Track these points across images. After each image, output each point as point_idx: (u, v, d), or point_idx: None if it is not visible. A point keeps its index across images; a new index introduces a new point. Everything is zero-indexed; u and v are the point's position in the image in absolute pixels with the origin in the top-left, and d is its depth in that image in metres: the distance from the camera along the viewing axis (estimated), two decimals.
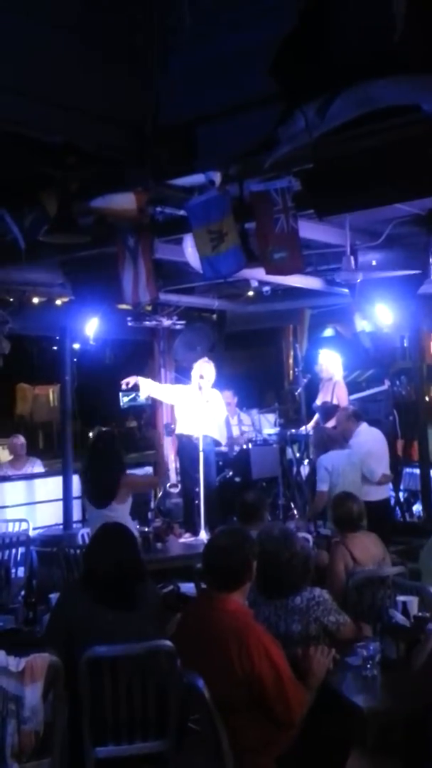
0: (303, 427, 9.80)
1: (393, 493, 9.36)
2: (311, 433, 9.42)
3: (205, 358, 9.04)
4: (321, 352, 10.39)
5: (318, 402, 10.05)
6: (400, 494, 9.70)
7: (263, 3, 4.46)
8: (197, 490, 8.50)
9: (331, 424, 9.22)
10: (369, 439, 8.57)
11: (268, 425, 11.12)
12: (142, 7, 4.93)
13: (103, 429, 9.13)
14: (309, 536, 6.89)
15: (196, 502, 8.56)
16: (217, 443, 9.25)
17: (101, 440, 7.38)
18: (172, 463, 10.80)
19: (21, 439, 10.55)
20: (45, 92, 4.55)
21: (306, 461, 9.67)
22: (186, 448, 8.85)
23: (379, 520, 7.84)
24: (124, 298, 6.51)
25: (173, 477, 10.01)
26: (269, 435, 10.61)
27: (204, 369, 8.75)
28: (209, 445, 8.77)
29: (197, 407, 8.65)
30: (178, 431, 8.98)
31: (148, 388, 8.96)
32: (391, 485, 9.02)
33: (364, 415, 8.84)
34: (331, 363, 10.11)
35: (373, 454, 8.43)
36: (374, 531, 6.21)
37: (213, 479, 8.94)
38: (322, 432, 8.70)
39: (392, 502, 9.34)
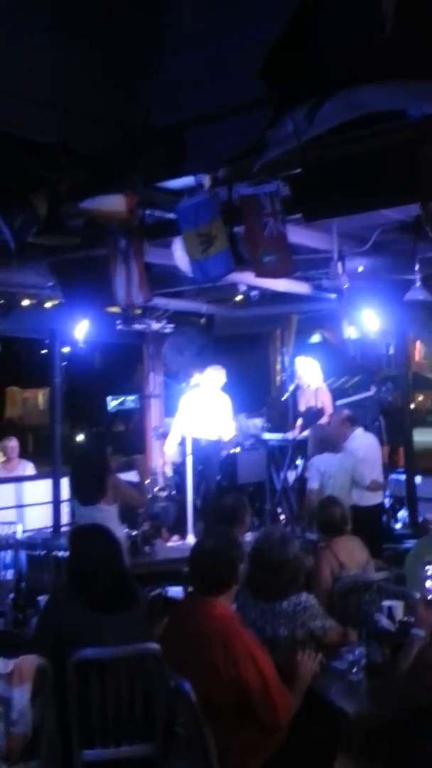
0: (289, 433, 9.80)
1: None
2: (306, 433, 9.41)
3: (218, 366, 9.51)
4: (297, 359, 10.39)
5: (301, 408, 10.06)
6: (386, 500, 9.71)
7: (253, 7, 4.48)
8: (210, 491, 8.67)
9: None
10: (363, 444, 8.60)
11: (255, 430, 11.12)
12: (134, 10, 4.94)
13: (92, 430, 9.24)
14: (296, 541, 6.90)
15: (199, 504, 8.68)
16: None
17: (87, 440, 7.42)
18: (160, 467, 10.80)
19: (14, 442, 10.55)
20: (36, 93, 4.55)
21: (298, 463, 9.67)
22: (202, 451, 8.95)
23: (371, 526, 7.87)
24: (116, 300, 6.49)
25: (161, 481, 10.00)
26: (256, 439, 10.62)
27: (215, 375, 9.28)
28: (215, 449, 8.97)
29: (204, 411, 8.85)
30: (192, 435, 9.07)
31: (174, 440, 9.41)
32: None
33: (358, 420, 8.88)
34: (307, 370, 10.10)
35: (366, 461, 8.46)
36: (365, 536, 6.23)
37: (214, 482, 9.14)
38: (321, 431, 8.69)
39: None
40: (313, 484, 8.18)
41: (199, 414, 9.20)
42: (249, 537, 6.30)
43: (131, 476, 9.88)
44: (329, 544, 5.90)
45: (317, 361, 10.30)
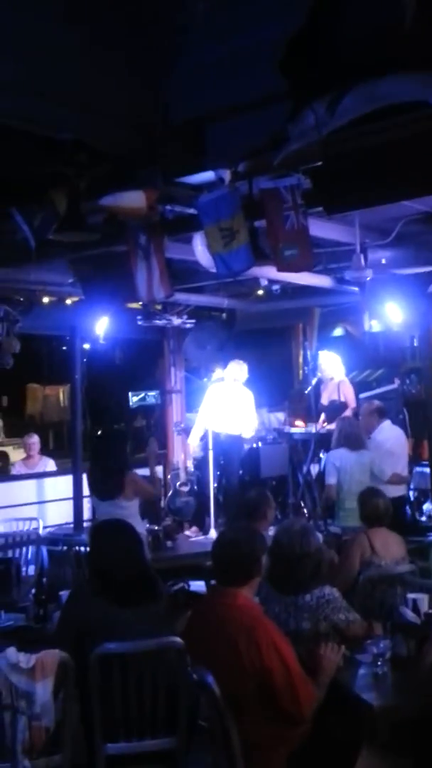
0: (312, 426, 9.80)
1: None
2: (329, 427, 9.39)
3: (239, 360, 9.55)
4: (320, 353, 10.41)
5: (324, 401, 10.05)
6: (411, 493, 9.67)
7: (271, 1, 4.46)
8: (231, 486, 8.70)
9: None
10: (391, 436, 8.59)
11: (278, 425, 11.11)
12: (152, 4, 4.94)
13: (113, 427, 9.29)
14: (319, 535, 6.89)
15: (221, 499, 8.70)
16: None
17: (106, 436, 7.44)
18: (182, 462, 10.84)
19: (35, 438, 10.60)
20: (55, 90, 4.56)
21: (321, 457, 9.66)
22: (222, 446, 8.97)
23: (394, 518, 7.83)
24: (138, 296, 6.49)
25: (182, 476, 10.02)
26: (279, 433, 10.62)
27: (237, 369, 9.34)
28: (236, 443, 8.98)
29: (232, 405, 9.02)
30: (214, 429, 9.11)
31: (197, 433, 9.46)
32: None
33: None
34: (329, 364, 10.12)
35: (393, 453, 8.44)
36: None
37: (235, 476, 9.16)
38: (347, 425, 8.61)
39: None
40: (331, 479, 8.25)
41: (221, 408, 9.25)
42: (272, 531, 6.30)
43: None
44: (367, 532, 5.93)
45: (340, 355, 10.29)
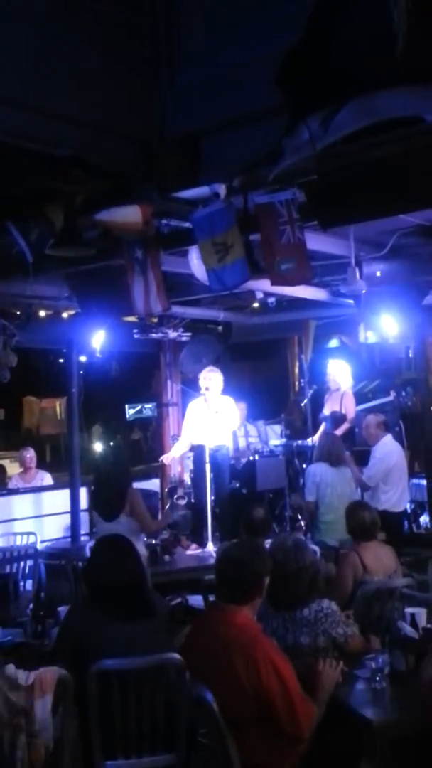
0: (309, 439, 9.79)
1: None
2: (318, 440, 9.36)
3: (210, 367, 9.21)
4: (330, 362, 10.40)
5: (326, 412, 10.05)
6: (408, 505, 9.66)
7: (267, 17, 4.49)
8: (222, 499, 8.62)
9: (339, 432, 9.26)
10: (394, 449, 8.58)
11: (275, 436, 11.12)
12: (149, 21, 4.96)
13: (111, 443, 9.23)
14: (317, 548, 6.86)
15: (217, 512, 8.62)
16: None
17: (108, 453, 7.39)
18: (179, 475, 10.83)
19: (31, 452, 10.59)
20: (51, 106, 4.57)
21: None
22: (200, 459, 8.87)
23: (389, 531, 7.83)
24: (135, 309, 6.50)
25: (180, 489, 10.01)
26: (275, 446, 10.61)
27: (210, 378, 8.89)
28: (224, 455, 8.85)
29: (206, 417, 8.74)
30: (193, 442, 9.02)
31: (180, 448, 9.31)
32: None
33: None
34: (339, 373, 10.12)
35: (397, 466, 8.44)
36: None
37: (226, 489, 9.00)
38: (331, 443, 8.52)
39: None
40: (310, 497, 8.11)
41: (203, 422, 8.95)
42: (267, 544, 6.29)
43: (151, 485, 9.91)
44: (356, 548, 5.88)
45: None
